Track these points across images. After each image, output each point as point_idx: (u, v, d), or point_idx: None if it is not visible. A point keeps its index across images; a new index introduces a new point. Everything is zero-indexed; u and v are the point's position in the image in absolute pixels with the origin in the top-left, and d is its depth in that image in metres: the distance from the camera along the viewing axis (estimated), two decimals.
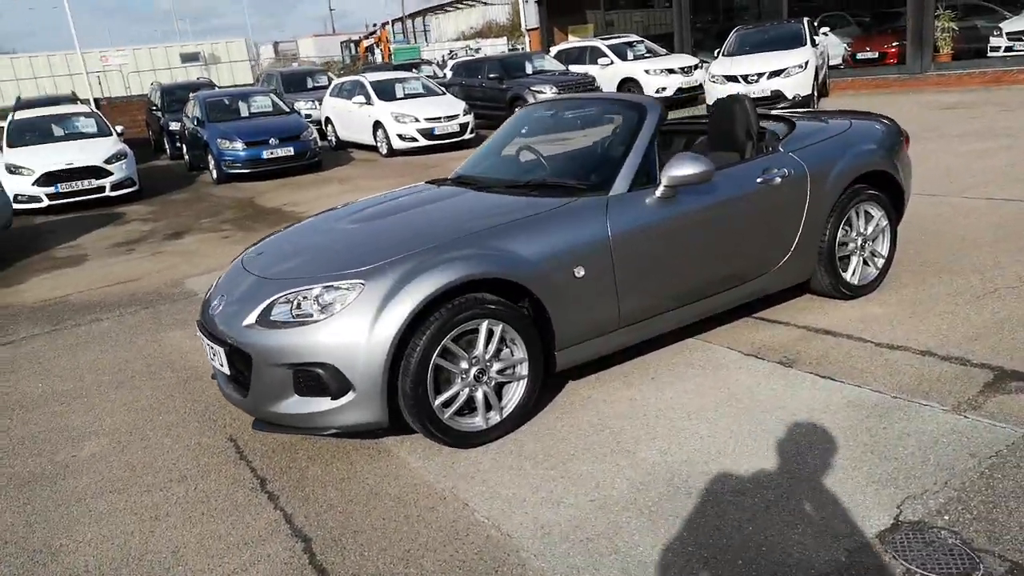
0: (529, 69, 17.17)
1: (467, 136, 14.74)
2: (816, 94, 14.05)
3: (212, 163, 13.39)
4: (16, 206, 11.71)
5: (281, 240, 4.04)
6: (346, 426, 3.15)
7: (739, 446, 3.12)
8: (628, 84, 17.22)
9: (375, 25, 43.87)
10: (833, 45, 17.54)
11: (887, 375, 3.59)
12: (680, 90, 16.81)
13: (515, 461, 3.19)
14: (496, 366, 3.33)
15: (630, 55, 18.02)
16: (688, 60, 17.61)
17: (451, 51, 34.51)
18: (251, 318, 3.24)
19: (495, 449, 3.30)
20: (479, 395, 3.30)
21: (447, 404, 3.24)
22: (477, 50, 31.66)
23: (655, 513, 2.73)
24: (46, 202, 11.76)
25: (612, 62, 17.75)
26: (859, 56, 17.40)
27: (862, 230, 4.54)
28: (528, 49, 25.19)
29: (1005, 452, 2.88)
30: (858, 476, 2.83)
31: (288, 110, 14.65)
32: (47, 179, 11.72)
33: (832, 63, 17.21)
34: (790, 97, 13.45)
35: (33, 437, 3.94)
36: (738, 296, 4.13)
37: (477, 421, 3.32)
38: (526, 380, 3.40)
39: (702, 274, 3.91)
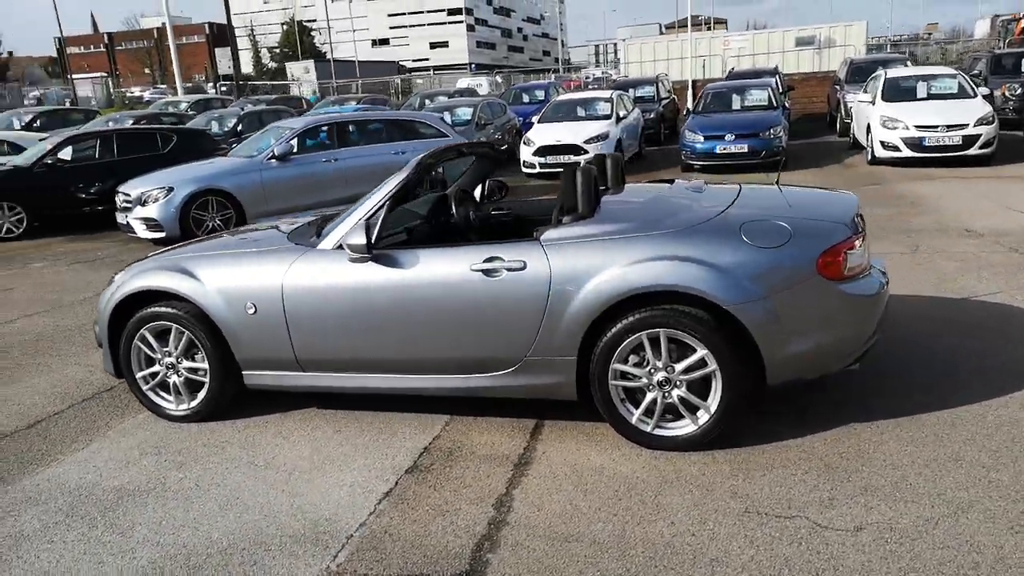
0: None
1: (974, 151, 12.00)
2: None
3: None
4: (525, 169, 14.91)
5: None
6: (108, 371, 4.47)
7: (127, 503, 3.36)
8: None
9: None
10: None
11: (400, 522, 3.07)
12: None
13: (146, 439, 4.05)
14: (186, 364, 4.15)
15: None
16: None
17: None
18: None
19: (167, 427, 4.17)
20: (171, 382, 4.20)
21: (148, 380, 4.24)
22: None
23: None
24: (538, 169, 14.56)
25: None
26: None
27: (658, 364, 3.39)
28: None
29: None
30: None
31: (775, 105, 14.26)
32: (541, 151, 14.45)
33: None
34: None
35: None
36: (459, 387, 3.76)
37: (171, 401, 4.24)
38: (207, 385, 4.12)
39: (402, 349, 3.76)
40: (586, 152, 14.12)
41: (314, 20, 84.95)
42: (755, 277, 3.26)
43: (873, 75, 15.07)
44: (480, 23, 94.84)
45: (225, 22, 36.57)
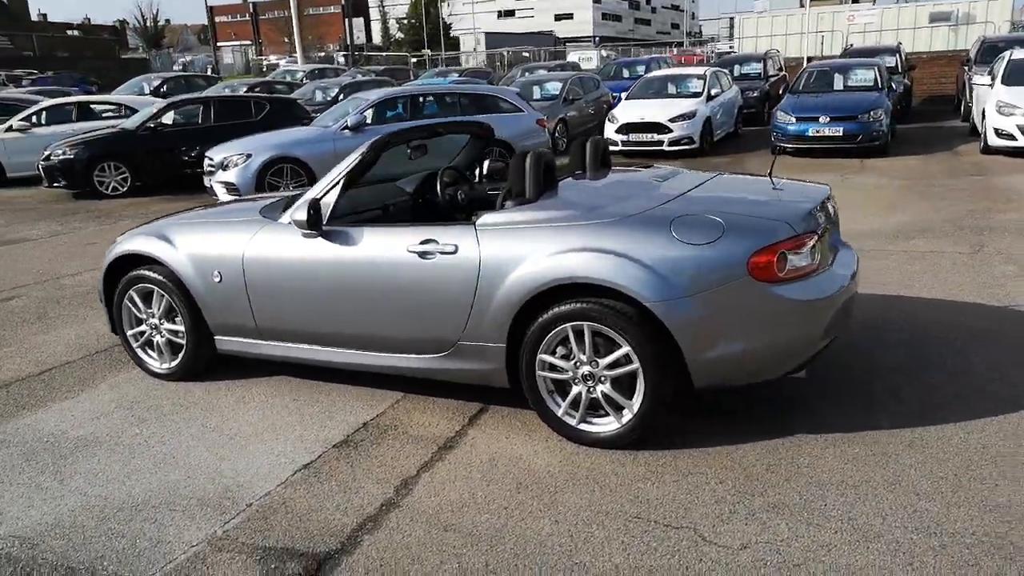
0: None
1: None
2: None
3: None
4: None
5: None
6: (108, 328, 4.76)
7: None
8: None
9: None
10: None
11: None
12: None
13: (127, 393, 4.29)
14: (167, 325, 4.37)
15: None
16: None
17: None
18: None
19: (151, 384, 4.41)
20: (154, 341, 4.44)
21: (138, 338, 4.50)
22: None
23: None
24: (620, 147, 14.25)
25: None
26: None
27: (583, 357, 3.27)
28: None
29: None
30: None
31: (880, 87, 13.27)
32: (624, 128, 14.12)
33: None
34: None
35: None
36: (398, 366, 3.77)
37: (155, 359, 4.48)
38: (185, 347, 4.32)
39: (346, 324, 3.81)
40: (670, 131, 13.70)
41: None
42: (679, 274, 3.08)
43: (1000, 56, 13.76)
44: None
45: None
